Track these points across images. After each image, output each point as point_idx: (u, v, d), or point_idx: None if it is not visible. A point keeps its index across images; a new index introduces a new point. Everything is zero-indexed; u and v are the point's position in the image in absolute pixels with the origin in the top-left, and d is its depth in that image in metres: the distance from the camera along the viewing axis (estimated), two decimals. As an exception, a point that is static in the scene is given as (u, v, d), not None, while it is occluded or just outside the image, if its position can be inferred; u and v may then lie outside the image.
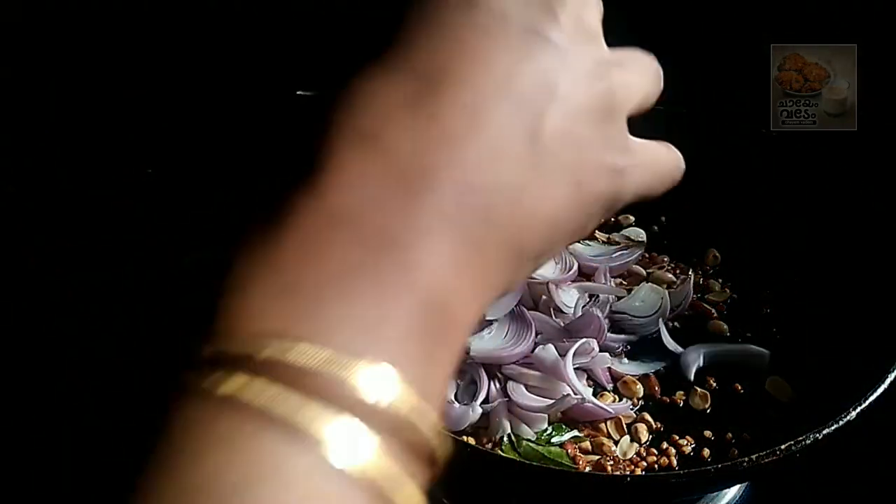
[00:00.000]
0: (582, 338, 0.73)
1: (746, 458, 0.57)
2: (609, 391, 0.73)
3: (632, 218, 0.90)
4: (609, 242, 0.86)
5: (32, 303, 0.99)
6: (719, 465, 0.57)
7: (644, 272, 0.83)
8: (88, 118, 1.15)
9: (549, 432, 0.69)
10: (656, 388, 0.73)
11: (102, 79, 1.15)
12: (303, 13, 1.14)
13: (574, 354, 0.71)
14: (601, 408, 0.69)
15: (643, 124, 0.94)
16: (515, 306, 0.76)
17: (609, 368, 0.74)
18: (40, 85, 1.12)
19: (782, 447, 0.57)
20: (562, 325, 0.75)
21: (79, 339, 0.92)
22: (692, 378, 0.74)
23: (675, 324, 0.79)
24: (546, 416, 0.69)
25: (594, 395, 0.72)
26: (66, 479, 0.70)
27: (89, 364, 0.87)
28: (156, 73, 1.16)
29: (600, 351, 0.73)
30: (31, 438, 0.71)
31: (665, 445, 0.69)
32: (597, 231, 0.88)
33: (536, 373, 0.71)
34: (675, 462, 0.68)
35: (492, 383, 0.71)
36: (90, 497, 0.58)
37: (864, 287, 0.74)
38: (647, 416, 0.71)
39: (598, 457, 0.68)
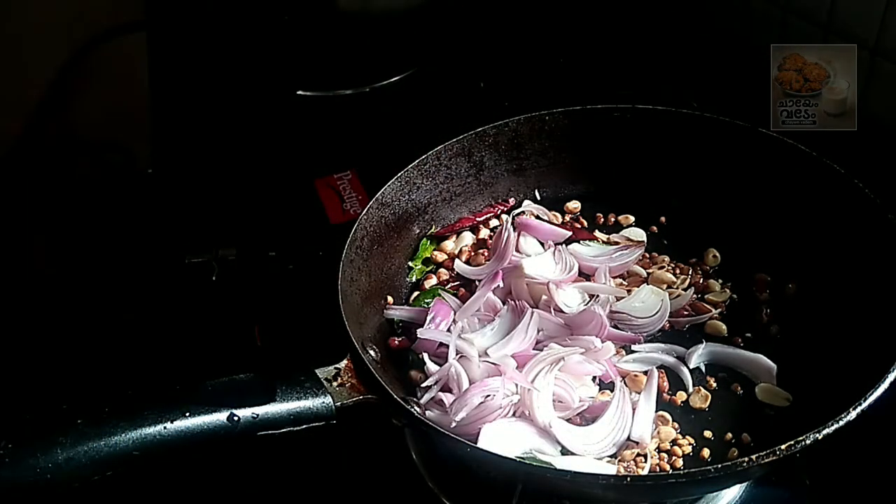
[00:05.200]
0: (583, 335, 0.74)
1: (746, 458, 0.58)
2: (616, 386, 0.73)
3: (632, 218, 0.90)
4: (609, 242, 0.86)
5: (34, 302, 0.99)
6: (719, 465, 0.57)
7: (644, 272, 0.83)
8: (89, 118, 1.15)
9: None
10: (665, 384, 0.73)
11: (104, 79, 1.15)
12: (303, 13, 1.14)
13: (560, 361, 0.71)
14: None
15: (646, 124, 0.94)
16: (515, 300, 0.76)
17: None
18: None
19: (782, 447, 0.57)
20: (562, 322, 0.75)
21: (79, 337, 0.92)
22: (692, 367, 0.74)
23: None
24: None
25: (600, 390, 0.73)
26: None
27: (89, 362, 0.87)
28: (156, 73, 1.16)
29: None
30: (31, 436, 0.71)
31: (666, 445, 0.69)
32: (597, 231, 0.89)
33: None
34: (675, 462, 0.68)
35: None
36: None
37: (863, 288, 0.74)
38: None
39: (598, 457, 0.68)
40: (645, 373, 0.73)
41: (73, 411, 0.58)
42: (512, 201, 0.93)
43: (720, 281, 0.82)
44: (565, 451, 0.67)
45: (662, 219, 0.89)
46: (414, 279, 0.86)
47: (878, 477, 0.72)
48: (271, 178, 1.08)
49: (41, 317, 0.96)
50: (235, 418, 0.60)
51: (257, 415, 0.61)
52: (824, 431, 0.58)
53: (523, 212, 0.90)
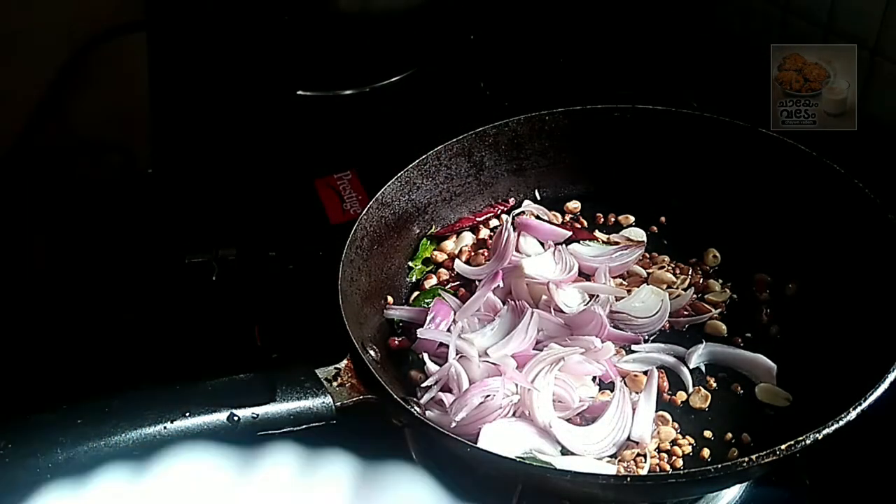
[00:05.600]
0: (583, 335, 0.74)
1: (746, 458, 0.58)
2: (616, 386, 0.73)
3: (632, 218, 0.90)
4: (609, 242, 0.86)
5: (34, 302, 0.99)
6: (719, 465, 0.57)
7: (644, 272, 0.83)
8: (89, 118, 1.15)
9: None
10: (665, 384, 0.73)
11: (104, 79, 1.15)
12: (302, 13, 1.14)
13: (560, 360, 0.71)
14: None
15: (646, 124, 0.94)
16: (515, 300, 0.76)
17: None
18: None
19: (782, 447, 0.57)
20: (562, 322, 0.75)
21: (80, 337, 0.92)
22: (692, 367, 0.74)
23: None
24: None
25: (600, 391, 0.73)
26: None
27: (90, 362, 0.87)
28: (156, 73, 1.16)
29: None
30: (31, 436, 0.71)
31: (666, 445, 0.69)
32: (597, 231, 0.89)
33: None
34: (675, 462, 0.68)
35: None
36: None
37: (863, 287, 0.74)
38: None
39: (598, 457, 0.68)
40: (645, 373, 0.73)
41: (73, 411, 0.58)
42: (512, 201, 0.93)
43: (720, 281, 0.82)
44: (565, 451, 0.67)
45: (662, 219, 0.89)
46: (414, 279, 0.86)
47: (878, 477, 0.72)
48: (271, 178, 1.08)
49: (41, 317, 0.96)
50: (235, 418, 0.60)
51: (257, 415, 0.61)
52: (824, 431, 0.58)
53: (523, 212, 0.90)
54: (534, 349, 0.73)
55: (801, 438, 0.57)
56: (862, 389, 0.60)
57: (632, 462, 0.67)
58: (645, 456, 0.68)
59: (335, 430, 0.64)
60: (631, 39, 1.21)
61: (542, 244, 0.85)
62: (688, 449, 0.69)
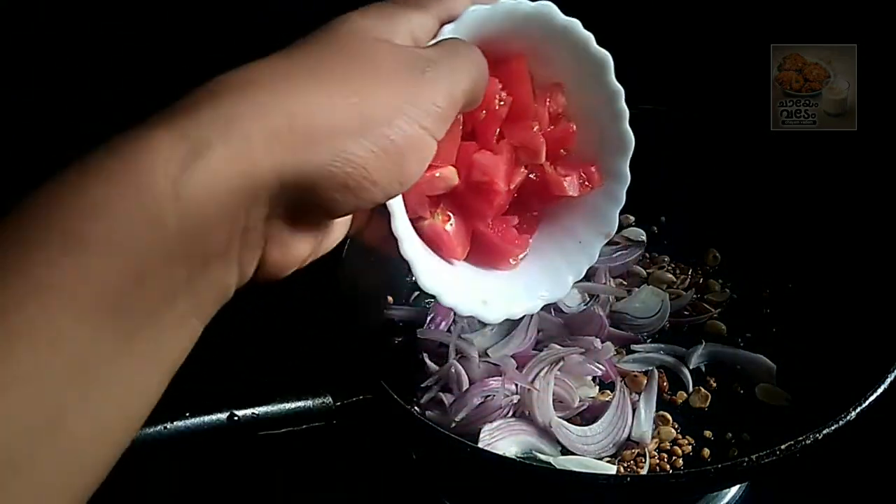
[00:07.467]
0: (583, 335, 0.74)
1: (746, 458, 0.57)
2: (616, 386, 0.73)
3: (632, 218, 0.90)
4: (609, 242, 0.86)
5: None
6: (719, 465, 0.57)
7: (644, 272, 0.83)
8: (89, 118, 1.15)
9: (549, 432, 0.69)
10: (665, 384, 0.73)
11: (103, 78, 1.15)
12: (303, 13, 1.14)
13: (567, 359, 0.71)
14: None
15: (646, 124, 0.94)
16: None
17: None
18: (42, 81, 1.13)
19: (782, 447, 0.57)
20: (562, 322, 0.75)
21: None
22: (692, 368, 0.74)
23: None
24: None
25: (600, 391, 0.73)
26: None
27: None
28: (157, 72, 1.16)
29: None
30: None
31: (666, 445, 0.69)
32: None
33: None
34: (675, 462, 0.68)
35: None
36: None
37: (863, 287, 0.74)
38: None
39: (598, 457, 0.68)
40: (645, 373, 0.73)
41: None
42: (512, 201, 0.93)
43: (720, 281, 0.82)
44: (565, 451, 0.67)
45: (662, 219, 0.89)
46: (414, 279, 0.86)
47: (878, 477, 0.72)
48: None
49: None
50: (235, 418, 0.60)
51: (257, 415, 0.61)
52: (824, 431, 0.58)
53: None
54: (534, 349, 0.73)
55: (801, 438, 0.57)
56: (862, 389, 0.60)
57: (632, 462, 0.67)
58: (645, 456, 0.68)
59: (335, 430, 0.64)
60: (631, 39, 1.21)
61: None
62: (688, 449, 0.69)
